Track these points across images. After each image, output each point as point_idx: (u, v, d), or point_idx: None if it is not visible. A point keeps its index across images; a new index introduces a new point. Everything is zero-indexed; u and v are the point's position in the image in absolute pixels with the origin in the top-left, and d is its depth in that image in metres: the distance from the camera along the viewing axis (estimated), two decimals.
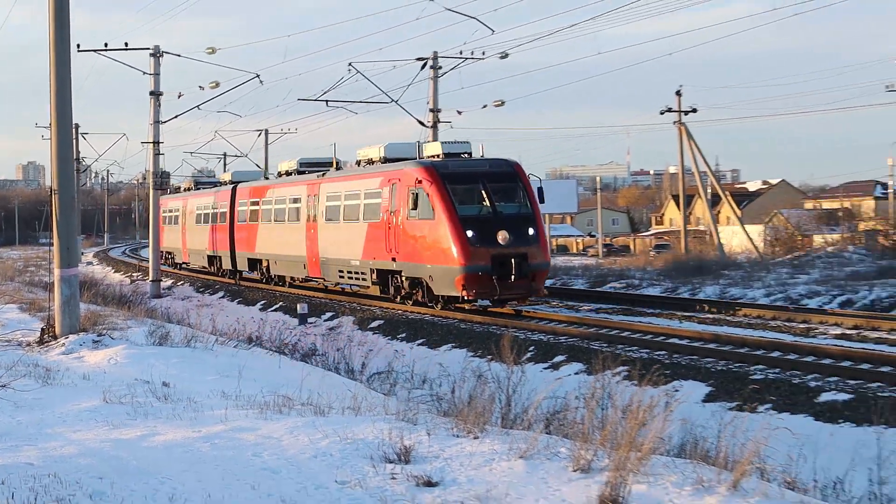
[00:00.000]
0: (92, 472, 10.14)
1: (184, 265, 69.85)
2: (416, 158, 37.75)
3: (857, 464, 13.15)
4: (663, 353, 24.60)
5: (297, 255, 45.90)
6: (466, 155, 37.06)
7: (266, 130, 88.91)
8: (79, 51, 50.11)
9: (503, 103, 57.48)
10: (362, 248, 38.88)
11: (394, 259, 36.29)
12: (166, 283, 58.27)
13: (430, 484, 9.67)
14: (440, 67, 54.19)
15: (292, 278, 49.33)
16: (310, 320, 36.83)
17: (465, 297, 33.25)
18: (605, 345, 25.86)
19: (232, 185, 58.07)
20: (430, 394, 19.69)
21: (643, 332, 28.44)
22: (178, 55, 57.06)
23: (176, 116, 60.71)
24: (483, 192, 34.22)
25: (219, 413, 13.25)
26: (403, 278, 36.30)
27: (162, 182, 57.79)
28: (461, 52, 53.06)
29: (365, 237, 38.58)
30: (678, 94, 67.86)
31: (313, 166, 48.22)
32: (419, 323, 33.05)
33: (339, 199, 41.73)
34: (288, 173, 50.76)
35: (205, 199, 63.39)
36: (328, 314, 38.05)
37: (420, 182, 34.39)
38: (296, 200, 46.74)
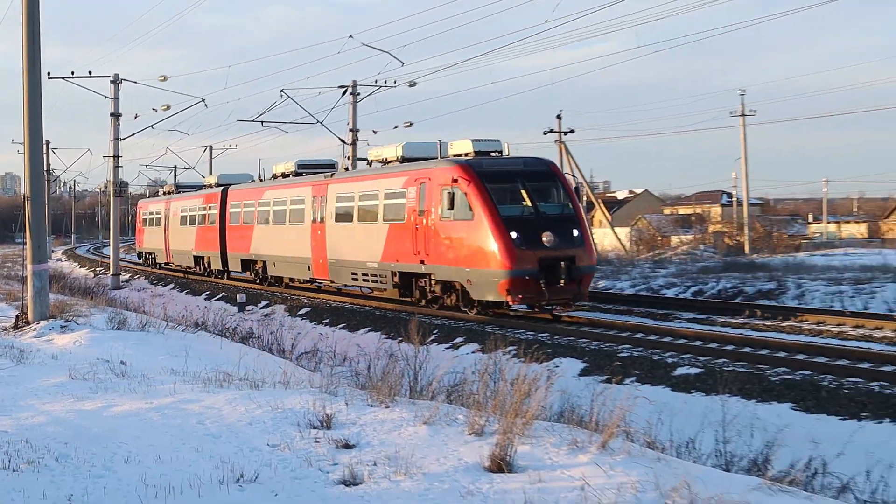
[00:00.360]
0: (59, 438, 10.03)
1: (165, 265, 61.95)
2: (437, 157, 31.29)
3: (705, 426, 13.29)
4: (546, 335, 24.69)
5: (301, 256, 38.91)
6: (496, 153, 30.96)
7: (210, 147, 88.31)
8: (49, 78, 49.54)
9: (412, 124, 57.68)
10: (382, 250, 32.17)
11: (422, 262, 29.80)
12: (125, 276, 57.53)
13: (347, 446, 9.65)
14: (358, 94, 54.13)
15: (291, 279, 42.48)
16: (248, 308, 36.47)
17: (510, 303, 27.41)
18: (497, 328, 25.90)
19: (222, 188, 50.65)
20: (349, 370, 19.60)
21: (528, 317, 28.54)
22: (135, 82, 56.34)
23: (133, 134, 60.70)
24: (523, 191, 28.19)
25: (168, 387, 13.14)
26: (433, 282, 29.92)
27: (120, 190, 57.11)
28: (376, 81, 53.24)
29: (385, 239, 32.01)
30: (558, 117, 68.43)
31: (311, 168, 42.17)
32: (340, 310, 32.94)
33: (352, 199, 34.91)
34: (284, 175, 43.70)
35: (191, 201, 55.73)
36: (263, 303, 37.78)
37: (456, 181, 28.07)
38: (298, 202, 39.59)
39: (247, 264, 46.52)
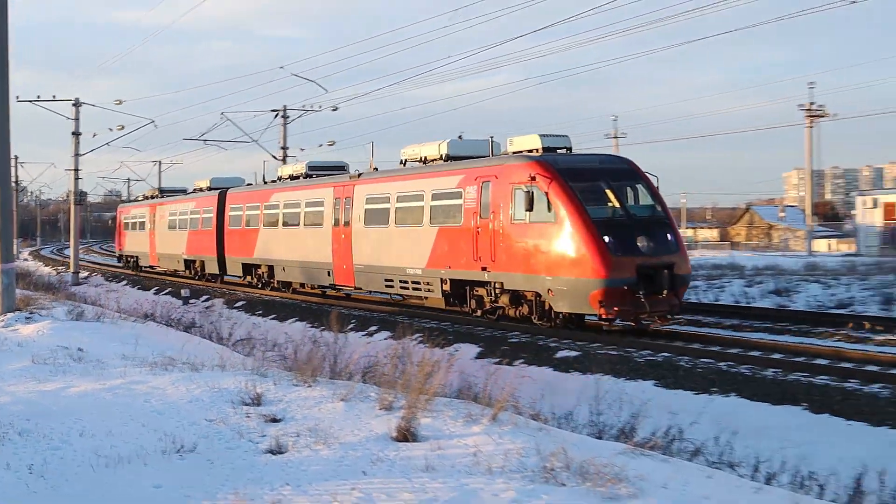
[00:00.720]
0: (21, 415, 9.82)
1: (149, 268, 54.80)
2: (489, 155, 25.95)
3: (581, 401, 13.40)
4: (448, 323, 24.66)
5: (319, 261, 32.14)
6: (565, 150, 24.37)
7: (160, 162, 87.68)
8: (18, 101, 49.13)
9: (334, 143, 57.88)
10: (428, 256, 25.97)
11: (484, 269, 23.61)
12: (83, 274, 56.55)
13: (275, 420, 9.58)
14: (288, 116, 54.06)
15: (301, 285, 35.21)
16: (191, 301, 35.96)
17: (603, 316, 21.20)
18: (406, 318, 25.79)
19: (219, 191, 43.31)
20: (278, 355, 19.46)
21: (431, 308, 28.50)
22: (94, 105, 55.80)
23: (91, 150, 60.72)
24: (608, 191, 22.18)
25: (119, 370, 12.94)
26: (497, 291, 23.62)
27: (80, 199, 56.33)
28: (304, 106, 53.49)
29: (433, 243, 25.80)
30: (460, 137, 68.53)
31: (322, 170, 35.32)
32: (271, 303, 32.63)
33: (387, 201, 28.31)
34: (293, 177, 36.50)
35: (181, 205, 48.64)
36: (204, 297, 37.29)
37: (534, 179, 21.91)
38: (316, 204, 32.79)
39: (248, 268, 39.31)
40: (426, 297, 26.98)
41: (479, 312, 24.59)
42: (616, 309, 20.74)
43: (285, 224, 35.40)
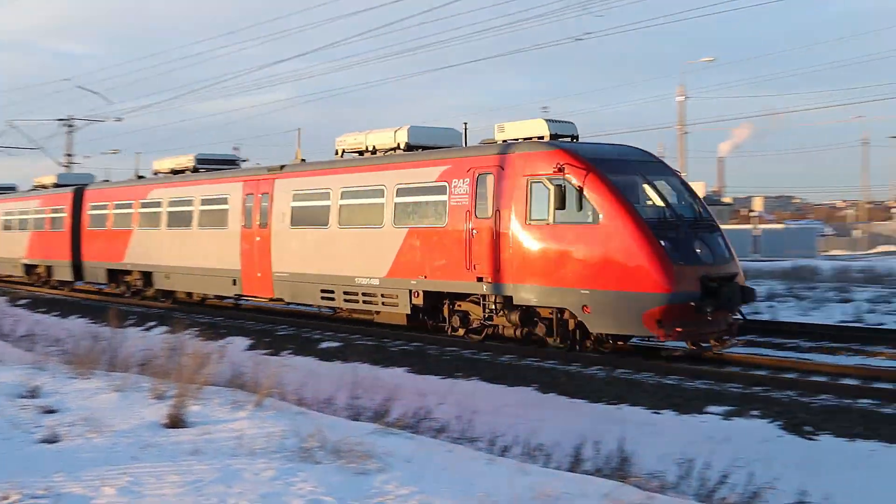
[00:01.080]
0: None
1: None
2: (461, 144, 20.64)
3: (341, 386, 13.42)
4: (221, 318, 24.12)
5: (221, 268, 24.96)
6: (572, 138, 18.20)
7: None
8: None
9: (118, 151, 56.34)
10: (391, 263, 19.58)
11: (480, 279, 17.55)
12: None
13: (50, 411, 9.15)
14: (73, 125, 52.09)
15: (189, 295, 28.20)
16: None
17: (662, 339, 15.78)
18: (184, 315, 25.05)
19: (74, 188, 33.93)
20: (59, 350, 18.60)
21: (211, 305, 27.89)
22: None
23: None
24: (647, 186, 16.76)
25: None
26: (497, 305, 17.56)
27: None
28: (89, 116, 51.77)
29: (399, 248, 19.42)
30: (235, 148, 68.38)
31: (212, 163, 28.00)
32: (54, 301, 30.97)
33: (326, 197, 21.53)
34: (175, 172, 28.81)
35: (19, 203, 38.75)
36: None
37: (562, 170, 16.24)
38: (217, 202, 25.48)
39: (115, 275, 31.05)
40: (379, 312, 20.66)
41: (461, 332, 18.73)
42: (678, 329, 15.38)
43: (171, 225, 27.77)
